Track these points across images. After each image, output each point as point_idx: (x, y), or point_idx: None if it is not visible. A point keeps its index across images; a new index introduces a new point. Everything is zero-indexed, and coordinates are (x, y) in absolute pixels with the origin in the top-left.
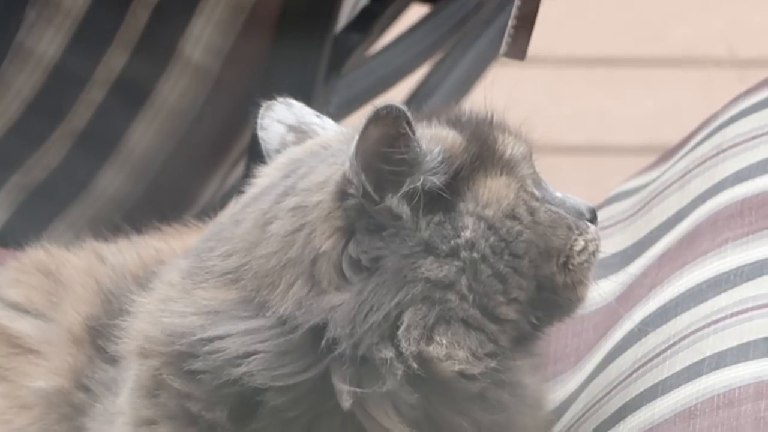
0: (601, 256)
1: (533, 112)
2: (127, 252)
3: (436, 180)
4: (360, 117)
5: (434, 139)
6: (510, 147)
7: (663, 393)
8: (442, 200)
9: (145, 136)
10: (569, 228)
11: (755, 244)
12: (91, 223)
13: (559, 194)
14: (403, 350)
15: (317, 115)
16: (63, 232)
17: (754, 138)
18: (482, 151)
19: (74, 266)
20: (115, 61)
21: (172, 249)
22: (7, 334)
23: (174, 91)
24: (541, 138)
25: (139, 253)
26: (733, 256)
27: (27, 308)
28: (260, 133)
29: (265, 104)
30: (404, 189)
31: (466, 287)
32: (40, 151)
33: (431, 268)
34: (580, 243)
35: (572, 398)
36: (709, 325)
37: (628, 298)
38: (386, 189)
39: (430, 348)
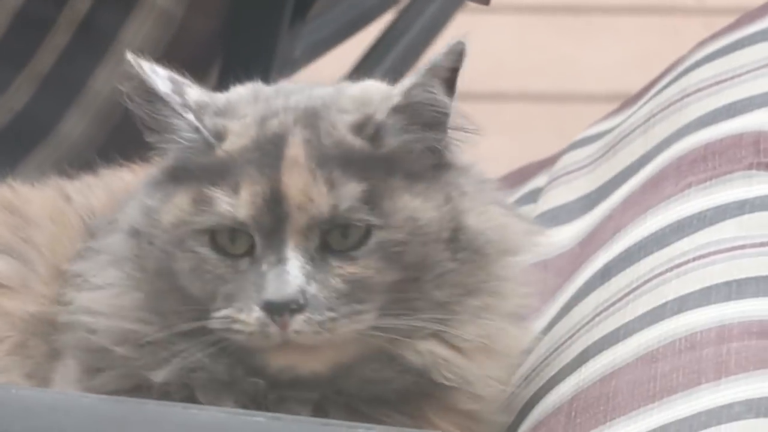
0: (563, 201)
1: (500, 59)
2: (93, 190)
3: None
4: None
5: None
6: None
7: (625, 337)
8: None
9: (110, 80)
10: None
11: (718, 189)
12: (56, 167)
13: None
14: None
15: None
16: (28, 176)
17: (718, 83)
18: None
19: (40, 204)
20: (80, 4)
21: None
22: None
23: (138, 36)
24: (509, 86)
25: (108, 185)
26: (696, 201)
27: None
28: None
29: None
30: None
31: None
32: (4, 96)
33: None
34: None
35: (535, 342)
36: (671, 269)
37: (592, 242)
38: None
39: None
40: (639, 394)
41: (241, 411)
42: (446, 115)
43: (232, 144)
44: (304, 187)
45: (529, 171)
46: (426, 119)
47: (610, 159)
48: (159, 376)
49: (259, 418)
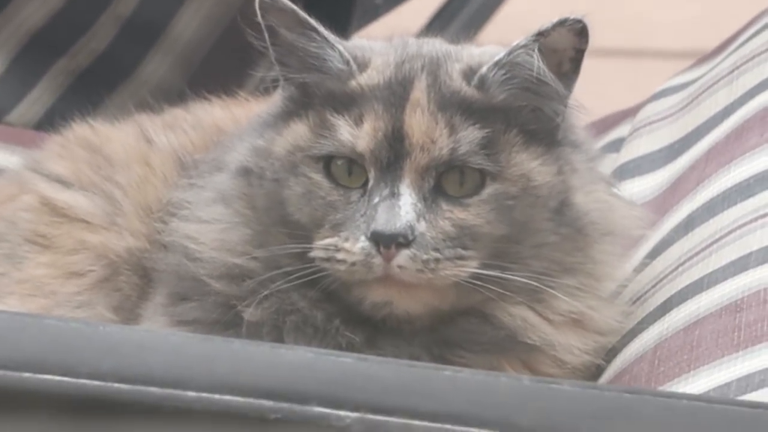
0: (647, 150)
1: (572, 13)
2: (182, 126)
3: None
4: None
5: None
6: None
7: (709, 286)
8: None
9: (191, 23)
10: None
11: None
12: (137, 109)
13: None
14: None
15: None
16: (107, 118)
17: None
18: None
19: (121, 145)
20: None
21: (235, 117)
22: (51, 204)
23: None
24: None
25: (199, 120)
26: None
27: (71, 181)
28: None
29: None
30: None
31: None
32: (85, 37)
33: None
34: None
35: (618, 290)
36: (756, 219)
37: (675, 191)
38: None
39: None
40: (723, 344)
41: (329, 351)
42: (544, 83)
43: (369, 78)
44: (427, 129)
45: (612, 120)
46: (526, 79)
47: (694, 109)
48: (253, 315)
49: (347, 358)
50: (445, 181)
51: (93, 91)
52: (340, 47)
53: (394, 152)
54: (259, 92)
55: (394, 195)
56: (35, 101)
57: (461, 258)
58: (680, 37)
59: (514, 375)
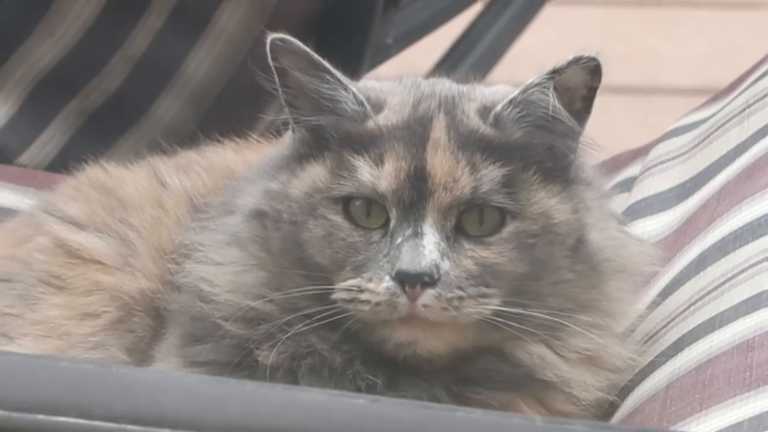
0: (658, 190)
1: (585, 51)
2: (194, 169)
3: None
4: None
5: None
6: None
7: (721, 326)
8: None
9: (203, 63)
10: None
11: None
12: (149, 149)
13: None
14: None
15: None
16: (121, 157)
17: None
18: None
19: (134, 187)
20: None
21: (247, 160)
22: (66, 246)
23: (233, 19)
24: None
25: (211, 164)
26: None
27: (85, 222)
28: None
29: None
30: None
31: None
32: (98, 77)
33: None
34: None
35: (631, 328)
36: (767, 258)
37: (687, 231)
38: None
39: None
40: (735, 383)
41: (342, 393)
42: (559, 120)
43: (386, 119)
44: (449, 168)
45: (623, 160)
46: (540, 117)
47: (705, 148)
48: (268, 357)
49: (360, 400)
50: (465, 220)
51: (105, 131)
52: (354, 89)
53: (416, 192)
54: (271, 134)
55: (418, 235)
56: (47, 142)
57: (484, 296)
58: (690, 74)
59: (527, 415)
